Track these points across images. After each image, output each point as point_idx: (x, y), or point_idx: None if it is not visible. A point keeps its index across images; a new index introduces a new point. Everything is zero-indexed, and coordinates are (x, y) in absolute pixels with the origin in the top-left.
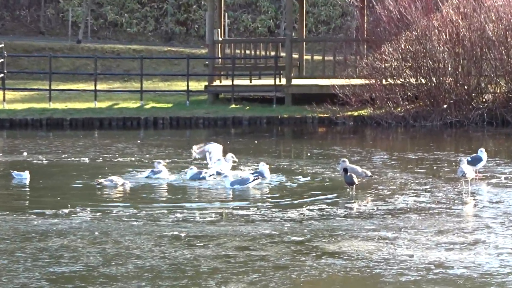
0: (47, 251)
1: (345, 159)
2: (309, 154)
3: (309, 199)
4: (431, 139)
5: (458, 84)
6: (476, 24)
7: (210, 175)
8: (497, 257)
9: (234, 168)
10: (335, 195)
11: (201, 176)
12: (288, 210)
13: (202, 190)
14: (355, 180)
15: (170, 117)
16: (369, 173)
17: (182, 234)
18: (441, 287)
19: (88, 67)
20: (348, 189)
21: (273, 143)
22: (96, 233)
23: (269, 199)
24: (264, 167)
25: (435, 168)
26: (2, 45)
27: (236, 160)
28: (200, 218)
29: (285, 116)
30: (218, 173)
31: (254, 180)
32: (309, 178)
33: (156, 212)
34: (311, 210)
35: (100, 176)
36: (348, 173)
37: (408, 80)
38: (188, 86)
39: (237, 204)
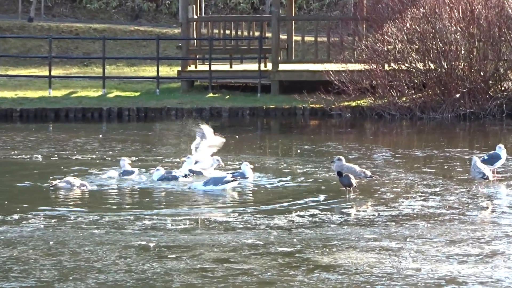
0: None
1: (341, 157)
2: (299, 151)
3: (300, 204)
4: (442, 133)
5: (473, 70)
6: (494, 0)
7: (185, 176)
8: None
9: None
10: (330, 198)
11: (172, 176)
12: (274, 216)
13: (174, 193)
14: (353, 181)
15: (137, 108)
16: (369, 173)
17: (151, 244)
18: None
19: (42, 49)
20: (346, 192)
21: (257, 138)
22: (51, 242)
23: (253, 204)
24: (246, 167)
25: (446, 167)
26: None
27: (223, 164)
28: (172, 225)
29: (271, 106)
30: (192, 172)
31: (232, 180)
32: (299, 179)
33: (120, 218)
34: (302, 217)
35: (51, 177)
36: (344, 174)
37: (414, 65)
38: (158, 71)
39: (215, 209)
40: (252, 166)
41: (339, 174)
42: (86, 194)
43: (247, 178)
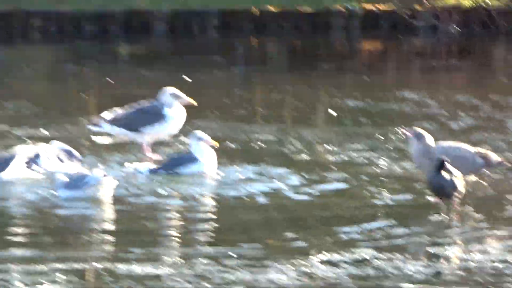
0: None
1: (422, 132)
2: (335, 114)
3: (344, 232)
4: None
5: None
6: None
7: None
8: None
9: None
10: (404, 220)
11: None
12: (297, 257)
13: (93, 219)
14: (458, 183)
15: None
16: (494, 158)
17: None
18: None
19: None
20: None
21: (238, 84)
22: None
23: (236, 238)
24: (199, 144)
25: None
26: None
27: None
28: None
29: (274, 10)
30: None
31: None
32: (336, 178)
33: None
34: (351, 264)
35: None
36: (444, 168)
37: None
38: None
39: (177, 249)
40: (215, 144)
41: (441, 165)
42: None
43: (200, 167)
